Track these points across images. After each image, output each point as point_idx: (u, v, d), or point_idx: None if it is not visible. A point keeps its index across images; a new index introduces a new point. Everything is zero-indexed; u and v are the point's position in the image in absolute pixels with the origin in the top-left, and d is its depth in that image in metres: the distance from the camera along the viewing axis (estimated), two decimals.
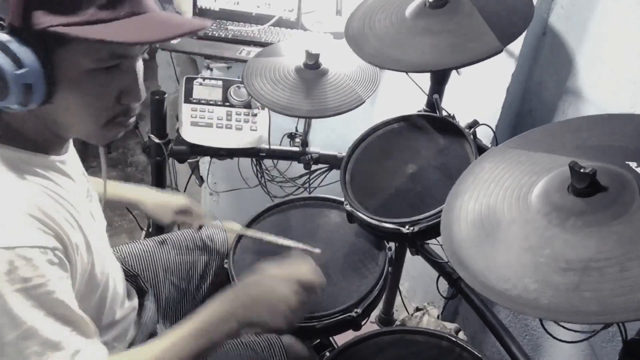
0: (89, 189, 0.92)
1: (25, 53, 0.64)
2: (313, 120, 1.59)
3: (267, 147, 1.57)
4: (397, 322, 1.74)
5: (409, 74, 1.37)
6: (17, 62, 0.64)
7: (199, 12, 1.93)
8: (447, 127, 1.22)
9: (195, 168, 1.95)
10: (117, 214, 2.38)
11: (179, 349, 0.76)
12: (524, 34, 1.16)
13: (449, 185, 0.92)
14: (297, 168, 1.71)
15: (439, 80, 1.30)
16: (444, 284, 1.37)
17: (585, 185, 0.71)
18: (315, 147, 1.62)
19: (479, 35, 1.09)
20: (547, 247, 0.70)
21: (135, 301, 1.08)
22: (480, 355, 1.02)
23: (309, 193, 1.72)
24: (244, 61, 1.55)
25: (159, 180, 1.62)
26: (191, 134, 1.52)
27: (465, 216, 0.83)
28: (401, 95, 1.65)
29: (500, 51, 1.06)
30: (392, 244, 1.28)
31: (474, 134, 1.20)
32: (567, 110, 1.31)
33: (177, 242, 1.28)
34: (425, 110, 1.36)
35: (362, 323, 1.16)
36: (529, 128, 0.93)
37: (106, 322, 0.93)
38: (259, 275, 0.87)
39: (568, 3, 1.26)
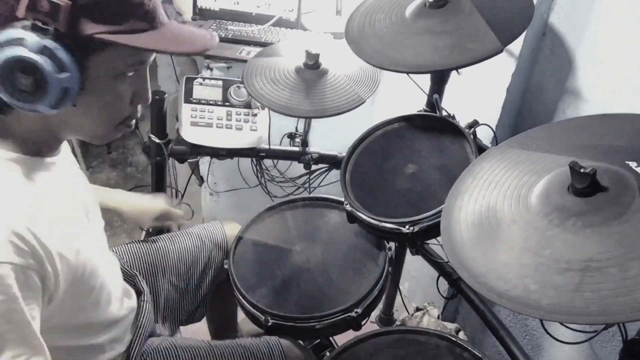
0: (84, 191, 0.92)
1: (67, 58, 0.68)
2: (313, 120, 1.59)
3: (267, 147, 1.57)
4: (398, 322, 1.74)
5: (409, 74, 1.37)
6: (60, 67, 0.67)
7: (199, 12, 1.92)
8: (447, 127, 1.22)
9: (195, 168, 1.95)
10: (117, 214, 2.38)
11: None
12: (524, 34, 1.16)
13: (449, 185, 0.92)
14: (297, 168, 1.71)
15: (439, 80, 1.30)
16: (444, 284, 1.37)
17: (585, 185, 0.71)
18: (315, 147, 1.62)
19: (479, 35, 1.09)
20: (548, 247, 0.70)
21: (134, 301, 1.08)
22: (480, 355, 1.02)
23: (309, 193, 1.72)
24: (244, 61, 1.55)
25: (159, 180, 1.62)
26: (191, 134, 1.52)
27: (465, 216, 0.83)
28: (401, 95, 1.64)
29: (501, 51, 1.06)
30: (392, 244, 1.28)
31: (474, 134, 1.20)
32: (567, 110, 1.31)
33: (176, 243, 1.28)
34: (425, 110, 1.36)
35: (362, 323, 1.16)
36: (529, 128, 0.93)
37: (102, 323, 0.93)
38: None
39: (568, 3, 1.26)
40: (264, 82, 1.35)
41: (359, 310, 1.13)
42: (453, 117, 1.24)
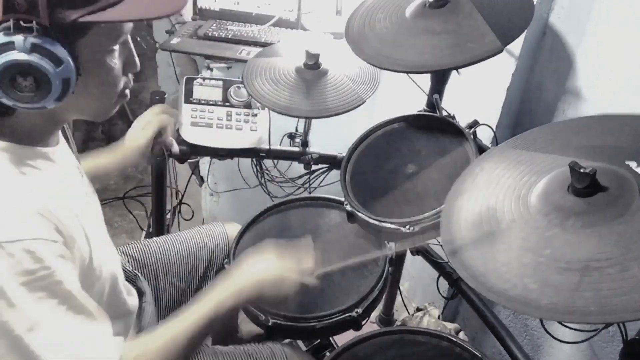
0: (82, 180, 0.92)
1: (58, 50, 0.68)
2: (313, 120, 1.59)
3: (267, 147, 1.57)
4: (398, 322, 1.74)
5: (409, 74, 1.37)
6: (55, 61, 0.68)
7: (199, 12, 1.92)
8: (447, 127, 1.22)
9: (195, 168, 1.95)
10: (118, 214, 2.39)
11: (189, 335, 0.84)
12: (524, 34, 1.16)
13: (449, 185, 0.92)
14: (297, 168, 1.71)
15: (439, 80, 1.30)
16: (444, 284, 1.37)
17: (585, 185, 0.71)
18: (315, 147, 1.62)
19: (479, 35, 1.09)
20: (547, 247, 0.70)
21: (136, 300, 1.08)
22: (480, 355, 1.02)
23: (309, 193, 1.72)
24: (244, 61, 1.55)
25: (159, 180, 1.62)
26: (191, 134, 1.52)
27: (465, 216, 0.83)
28: (401, 95, 1.64)
29: (501, 51, 1.06)
30: (392, 244, 1.28)
31: (474, 134, 1.20)
32: (567, 110, 1.31)
33: (177, 243, 1.28)
34: (425, 110, 1.36)
35: (362, 323, 1.16)
36: (529, 128, 0.93)
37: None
38: (262, 263, 0.93)
39: (568, 3, 1.26)
40: (264, 82, 1.35)
41: (359, 311, 1.13)
42: (453, 117, 1.24)
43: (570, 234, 0.69)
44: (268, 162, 1.73)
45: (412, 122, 1.29)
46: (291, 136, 1.69)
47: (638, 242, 0.64)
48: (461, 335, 1.58)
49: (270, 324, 1.13)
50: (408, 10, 1.21)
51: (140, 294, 1.12)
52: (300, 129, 1.63)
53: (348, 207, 1.19)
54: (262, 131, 1.55)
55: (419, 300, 1.93)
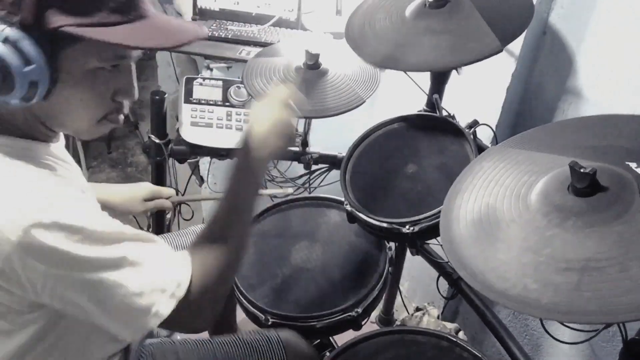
0: (80, 176, 0.92)
1: (34, 51, 0.65)
2: (313, 120, 1.59)
3: None
4: (397, 322, 1.74)
5: (409, 74, 1.37)
6: (26, 60, 0.65)
7: (199, 12, 1.92)
8: (447, 127, 1.22)
9: (195, 168, 1.95)
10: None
11: (238, 215, 0.84)
12: (524, 34, 1.16)
13: (449, 185, 0.92)
14: (297, 168, 1.71)
15: (439, 80, 1.30)
16: (444, 284, 1.37)
17: (585, 185, 0.71)
18: (315, 147, 1.62)
19: (479, 35, 1.09)
20: (547, 247, 0.70)
21: None
22: (480, 355, 1.02)
23: (309, 193, 1.72)
24: (244, 61, 1.55)
25: (159, 181, 1.62)
26: (191, 134, 1.52)
27: (464, 216, 0.83)
28: (401, 95, 1.64)
29: (500, 51, 1.06)
30: (392, 244, 1.28)
31: (474, 133, 1.20)
32: (567, 110, 1.31)
33: (175, 242, 1.28)
34: (425, 110, 1.36)
35: (362, 323, 1.16)
36: (529, 128, 0.93)
37: None
38: (255, 117, 0.93)
39: (568, 3, 1.26)
40: (264, 82, 1.35)
41: (359, 310, 1.13)
42: (453, 117, 1.24)
43: (570, 234, 0.69)
44: None
45: (412, 122, 1.29)
46: None
47: (638, 242, 0.64)
48: (461, 335, 1.58)
49: (269, 323, 1.13)
50: (408, 10, 1.21)
51: None
52: (300, 129, 1.63)
53: (348, 207, 1.19)
54: None
55: (419, 300, 1.92)
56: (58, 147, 0.83)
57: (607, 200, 0.70)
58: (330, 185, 1.66)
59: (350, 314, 1.13)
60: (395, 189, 1.19)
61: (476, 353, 1.02)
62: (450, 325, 1.59)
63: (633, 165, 0.73)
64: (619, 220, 0.68)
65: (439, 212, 0.90)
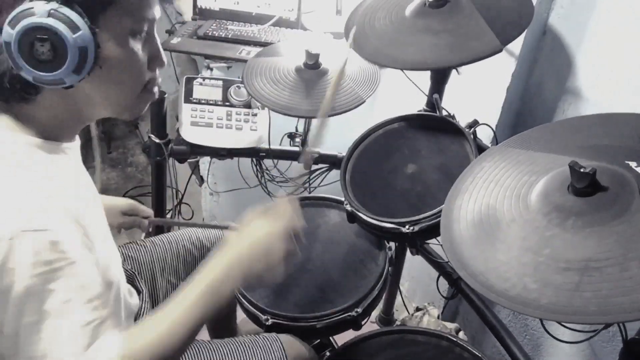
0: (90, 181, 0.92)
1: (77, 17, 0.68)
2: (313, 120, 1.59)
3: (267, 147, 1.57)
4: (398, 322, 1.74)
5: (409, 75, 1.37)
6: (72, 27, 0.68)
7: (199, 12, 1.93)
8: (447, 127, 1.22)
9: (195, 168, 1.95)
10: None
11: (188, 317, 0.77)
12: (524, 34, 1.16)
13: (449, 185, 0.92)
14: (297, 168, 1.71)
15: (439, 80, 1.30)
16: (444, 284, 1.37)
17: (585, 185, 0.71)
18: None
19: (478, 34, 1.09)
20: (547, 247, 0.70)
21: (137, 301, 1.08)
22: (480, 355, 1.02)
23: (309, 193, 1.72)
24: (244, 61, 1.55)
25: (159, 180, 1.62)
26: (191, 134, 1.52)
27: (465, 216, 0.83)
28: (401, 95, 1.64)
29: (500, 51, 1.06)
30: (392, 244, 1.28)
31: (474, 133, 1.20)
32: (567, 110, 1.31)
33: (174, 243, 1.27)
34: (425, 110, 1.36)
35: (362, 323, 1.16)
36: (529, 128, 0.93)
37: None
38: (247, 229, 0.88)
39: (568, 3, 1.26)
40: (264, 82, 1.35)
41: (359, 310, 1.13)
42: (453, 117, 1.24)
43: (570, 234, 0.69)
44: (268, 162, 1.73)
45: (412, 122, 1.29)
46: (291, 136, 1.70)
47: (638, 242, 0.64)
48: (461, 335, 1.58)
49: (269, 323, 1.13)
50: (408, 10, 1.21)
51: (138, 293, 1.12)
52: (300, 129, 1.63)
53: (348, 207, 1.19)
54: (262, 131, 1.55)
55: (419, 300, 1.92)
56: (73, 147, 0.83)
57: (607, 200, 0.70)
58: (330, 185, 1.66)
59: (350, 314, 1.13)
60: (395, 189, 1.19)
61: (476, 353, 1.02)
62: (450, 325, 1.59)
63: (633, 164, 0.73)
64: (619, 220, 0.68)
65: (439, 212, 0.91)
